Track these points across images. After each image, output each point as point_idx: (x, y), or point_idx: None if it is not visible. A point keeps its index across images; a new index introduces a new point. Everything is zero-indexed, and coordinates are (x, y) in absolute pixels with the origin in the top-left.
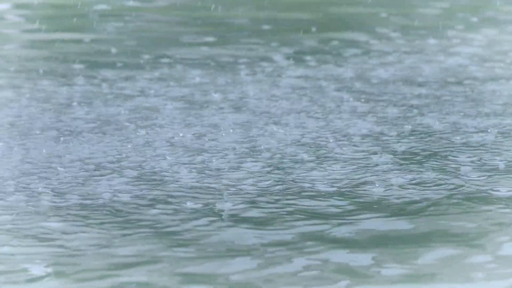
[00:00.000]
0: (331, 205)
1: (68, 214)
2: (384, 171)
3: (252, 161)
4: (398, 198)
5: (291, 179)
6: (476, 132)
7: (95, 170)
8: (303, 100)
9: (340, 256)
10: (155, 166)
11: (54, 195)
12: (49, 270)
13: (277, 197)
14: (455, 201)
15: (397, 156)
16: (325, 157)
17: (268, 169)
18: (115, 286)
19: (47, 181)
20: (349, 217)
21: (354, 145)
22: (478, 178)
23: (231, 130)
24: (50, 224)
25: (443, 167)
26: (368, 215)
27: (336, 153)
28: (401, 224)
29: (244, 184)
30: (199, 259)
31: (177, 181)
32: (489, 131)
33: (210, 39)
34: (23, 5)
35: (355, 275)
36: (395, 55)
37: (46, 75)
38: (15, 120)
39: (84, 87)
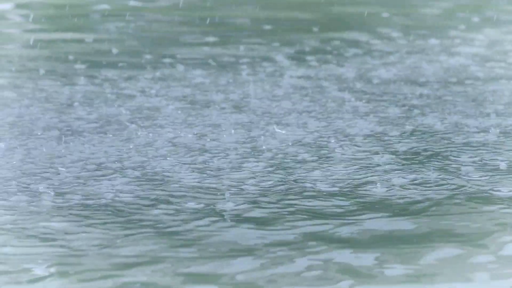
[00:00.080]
0: (333, 205)
1: (70, 214)
2: (386, 171)
3: (254, 161)
4: (400, 198)
5: (292, 179)
6: (478, 132)
7: (96, 170)
8: (304, 100)
9: (342, 256)
10: (156, 166)
11: (56, 195)
12: (52, 270)
13: (279, 197)
14: (457, 201)
15: (399, 156)
16: (327, 157)
17: (270, 169)
18: (118, 286)
19: (49, 181)
20: (351, 217)
21: (355, 145)
22: (480, 178)
23: (233, 130)
24: (52, 224)
25: (445, 167)
26: (370, 215)
27: (337, 153)
28: (404, 224)
29: (246, 184)
30: (202, 259)
31: (178, 181)
32: (490, 131)
33: (211, 39)
34: (25, 5)
35: (358, 275)
36: (397, 55)
37: (47, 75)
38: (16, 120)
39: (85, 87)
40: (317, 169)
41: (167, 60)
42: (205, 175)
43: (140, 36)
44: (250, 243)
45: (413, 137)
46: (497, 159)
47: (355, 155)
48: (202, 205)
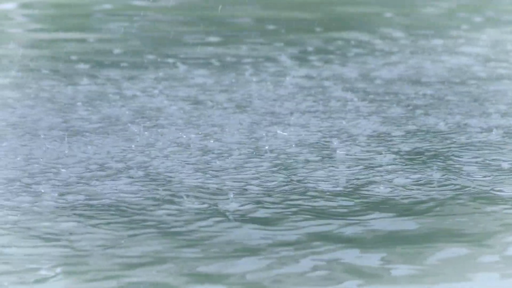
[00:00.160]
0: (338, 205)
1: (74, 214)
2: (389, 171)
3: (257, 162)
4: (404, 198)
5: (296, 179)
6: (481, 132)
7: (100, 170)
8: (307, 100)
9: (347, 256)
10: (159, 166)
11: (59, 196)
12: (56, 270)
13: (283, 197)
14: (461, 201)
15: (402, 156)
16: (330, 157)
17: (274, 169)
18: (122, 286)
19: (52, 181)
20: (356, 217)
21: (359, 145)
22: (483, 179)
23: (236, 130)
24: (55, 224)
25: (448, 167)
26: (374, 215)
27: (341, 153)
28: (408, 224)
29: (250, 185)
30: (206, 260)
31: (182, 182)
32: (493, 131)
33: (214, 39)
34: (29, 5)
35: (363, 275)
36: (399, 55)
37: (50, 75)
38: (19, 120)
39: (88, 87)
40: (320, 169)
41: (169, 60)
42: (208, 175)
43: (143, 36)
44: (255, 243)
45: (416, 137)
46: (500, 159)
47: (358, 155)
48: (205, 205)
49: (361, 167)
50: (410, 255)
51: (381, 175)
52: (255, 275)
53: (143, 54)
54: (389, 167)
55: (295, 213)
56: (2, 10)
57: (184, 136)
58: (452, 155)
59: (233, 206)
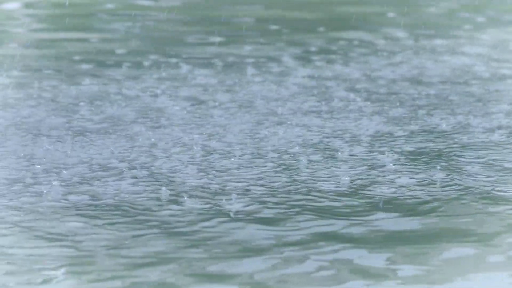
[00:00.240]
0: (342, 205)
1: (77, 214)
2: (393, 171)
3: (261, 162)
4: (407, 198)
5: (299, 179)
6: (484, 132)
7: (103, 170)
8: (310, 100)
9: (352, 256)
10: (162, 166)
11: (62, 196)
12: (60, 270)
13: (286, 198)
14: (464, 201)
15: (405, 156)
16: (333, 157)
17: (277, 169)
18: (127, 287)
19: (55, 181)
20: (360, 217)
21: (362, 145)
22: (487, 179)
23: (239, 131)
24: (59, 224)
25: (451, 167)
26: (378, 215)
27: (344, 153)
28: (412, 224)
29: (253, 185)
30: (210, 260)
31: (185, 182)
32: (496, 131)
33: (217, 39)
34: (32, 5)
35: (367, 275)
36: (402, 55)
37: (53, 75)
38: (22, 120)
39: (91, 87)
40: (324, 169)
41: (172, 60)
42: (211, 175)
43: (146, 36)
44: (259, 243)
45: (419, 137)
46: (503, 159)
47: (361, 155)
48: (209, 206)
49: (364, 167)
50: (415, 255)
51: (384, 175)
52: (259, 275)
53: (146, 54)
54: (393, 167)
55: (298, 213)
56: (5, 10)
57: (187, 137)
58: (455, 155)
59: (237, 206)
